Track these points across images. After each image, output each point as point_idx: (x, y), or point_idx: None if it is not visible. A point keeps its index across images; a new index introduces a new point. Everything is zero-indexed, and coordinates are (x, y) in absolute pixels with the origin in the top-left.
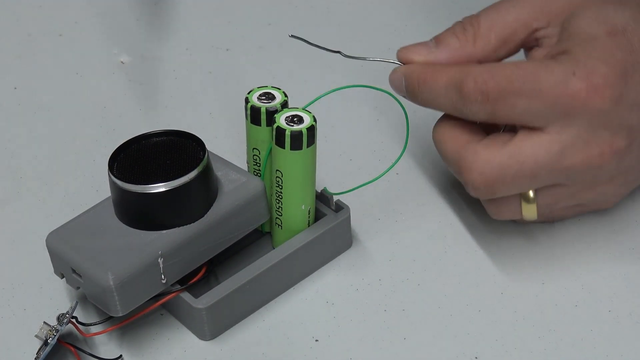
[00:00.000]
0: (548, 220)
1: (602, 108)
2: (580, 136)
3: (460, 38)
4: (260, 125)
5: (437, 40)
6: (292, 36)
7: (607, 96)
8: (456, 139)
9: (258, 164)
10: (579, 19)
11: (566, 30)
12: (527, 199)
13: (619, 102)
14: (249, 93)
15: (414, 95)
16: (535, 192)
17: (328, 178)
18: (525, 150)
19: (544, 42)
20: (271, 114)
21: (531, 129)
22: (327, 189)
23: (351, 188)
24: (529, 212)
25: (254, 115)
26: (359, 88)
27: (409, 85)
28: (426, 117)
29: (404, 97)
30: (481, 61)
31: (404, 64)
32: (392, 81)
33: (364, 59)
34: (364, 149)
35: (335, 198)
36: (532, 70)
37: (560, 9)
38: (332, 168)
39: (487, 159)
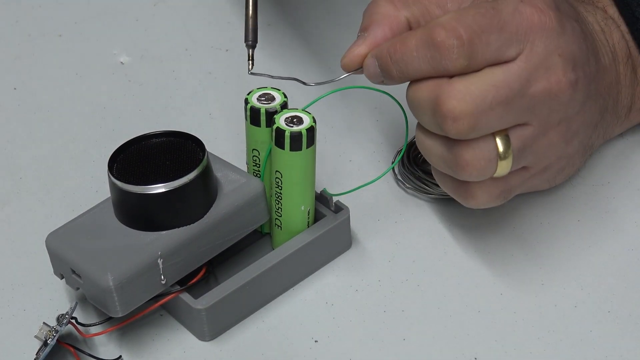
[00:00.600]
0: (506, 196)
1: (551, 27)
2: (542, 62)
3: (381, 8)
4: (259, 126)
5: (363, 28)
6: (252, 74)
7: (552, 16)
8: (430, 82)
9: (258, 165)
10: None
11: None
12: (503, 155)
13: (562, 25)
14: (248, 94)
15: (389, 71)
16: (509, 143)
17: (328, 179)
18: (499, 76)
19: None
20: (271, 115)
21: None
22: (327, 190)
23: (351, 189)
24: (504, 167)
25: (253, 116)
26: (359, 89)
27: (382, 63)
28: None
29: (382, 82)
30: (411, 24)
31: (358, 69)
32: (367, 69)
33: (325, 82)
34: (363, 150)
35: (334, 199)
36: (490, 8)
37: None
38: (332, 169)
39: (465, 86)
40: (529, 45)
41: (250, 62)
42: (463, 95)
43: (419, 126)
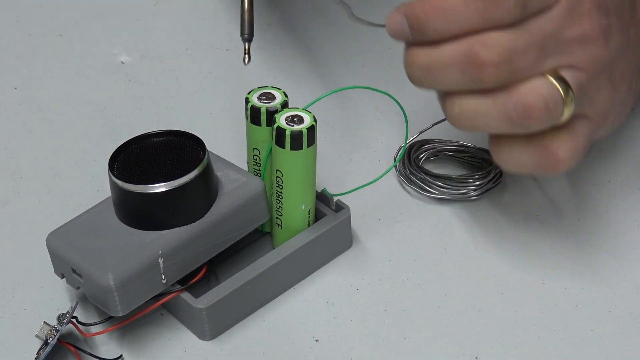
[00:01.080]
0: (586, 147)
1: None
2: (574, 8)
3: None
4: (260, 125)
5: None
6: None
7: None
8: (458, 40)
9: (258, 164)
10: None
11: None
12: (565, 92)
13: None
14: (249, 93)
15: (423, 29)
16: (564, 80)
17: (328, 178)
18: (531, 25)
19: None
20: (271, 114)
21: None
22: (327, 189)
23: (351, 189)
24: (569, 106)
25: (254, 115)
26: (359, 89)
27: (416, 19)
28: (426, 118)
29: (405, 40)
30: None
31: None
32: (391, 24)
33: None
34: (364, 149)
35: (335, 198)
36: None
37: None
38: (332, 168)
39: (498, 35)
40: None
41: (247, 55)
42: (499, 42)
43: (454, 94)
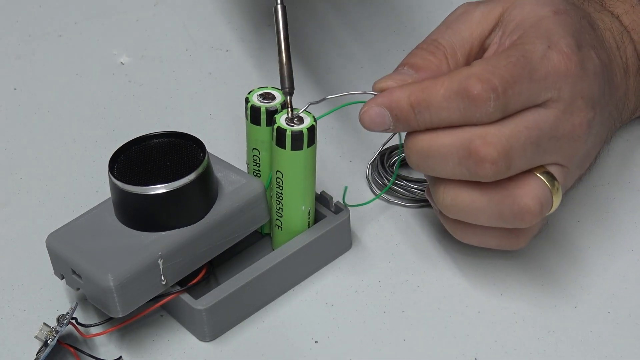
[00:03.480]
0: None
1: (575, 73)
2: (567, 108)
3: (434, 59)
4: (260, 125)
5: (412, 64)
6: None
7: (576, 60)
8: (457, 131)
9: (258, 164)
10: (522, 8)
11: (512, 22)
12: (556, 190)
13: (584, 68)
14: (249, 93)
15: (409, 122)
16: (553, 177)
17: (328, 179)
18: (529, 120)
19: (490, 47)
20: (271, 114)
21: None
22: (329, 194)
23: (369, 200)
24: (557, 201)
25: (254, 115)
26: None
27: (400, 112)
28: None
29: (386, 131)
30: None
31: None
32: (370, 118)
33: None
34: (364, 151)
35: (334, 199)
36: (520, 56)
37: (499, 15)
38: (332, 169)
39: (497, 130)
40: (557, 92)
41: (290, 109)
42: (498, 139)
43: (448, 183)
